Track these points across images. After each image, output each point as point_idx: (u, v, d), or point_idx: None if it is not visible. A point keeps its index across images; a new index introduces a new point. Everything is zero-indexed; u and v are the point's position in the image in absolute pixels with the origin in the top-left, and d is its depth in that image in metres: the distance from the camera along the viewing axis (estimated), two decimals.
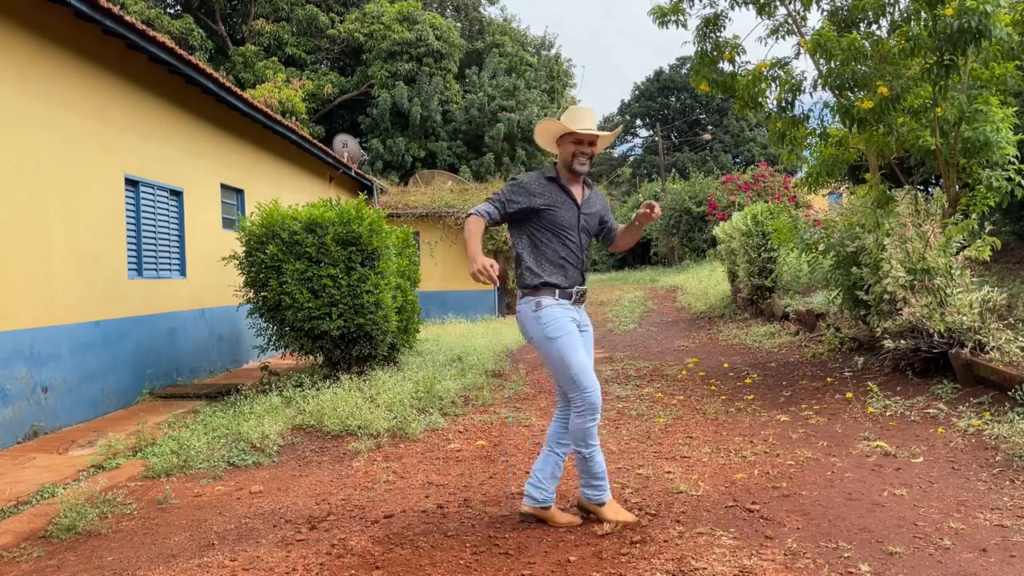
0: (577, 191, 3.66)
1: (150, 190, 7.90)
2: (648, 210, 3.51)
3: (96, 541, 3.72)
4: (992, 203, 6.13)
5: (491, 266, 3.31)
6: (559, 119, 3.69)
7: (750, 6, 7.33)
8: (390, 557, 3.26)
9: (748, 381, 7.04)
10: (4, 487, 4.51)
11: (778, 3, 7.32)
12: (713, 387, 6.90)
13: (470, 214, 3.52)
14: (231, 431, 5.56)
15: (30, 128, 6.03)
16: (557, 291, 3.52)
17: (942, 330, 5.52)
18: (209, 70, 8.17)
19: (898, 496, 3.71)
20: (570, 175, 3.65)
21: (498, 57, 27.36)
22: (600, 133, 3.64)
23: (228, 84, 8.71)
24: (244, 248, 7.21)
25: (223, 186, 9.68)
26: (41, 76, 6.18)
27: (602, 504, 3.58)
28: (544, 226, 3.58)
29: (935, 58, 5.74)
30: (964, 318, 5.48)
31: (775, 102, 7.00)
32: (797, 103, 6.90)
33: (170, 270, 8.34)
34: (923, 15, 5.82)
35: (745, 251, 11.50)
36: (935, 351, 5.65)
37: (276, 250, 6.91)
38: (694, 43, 7.41)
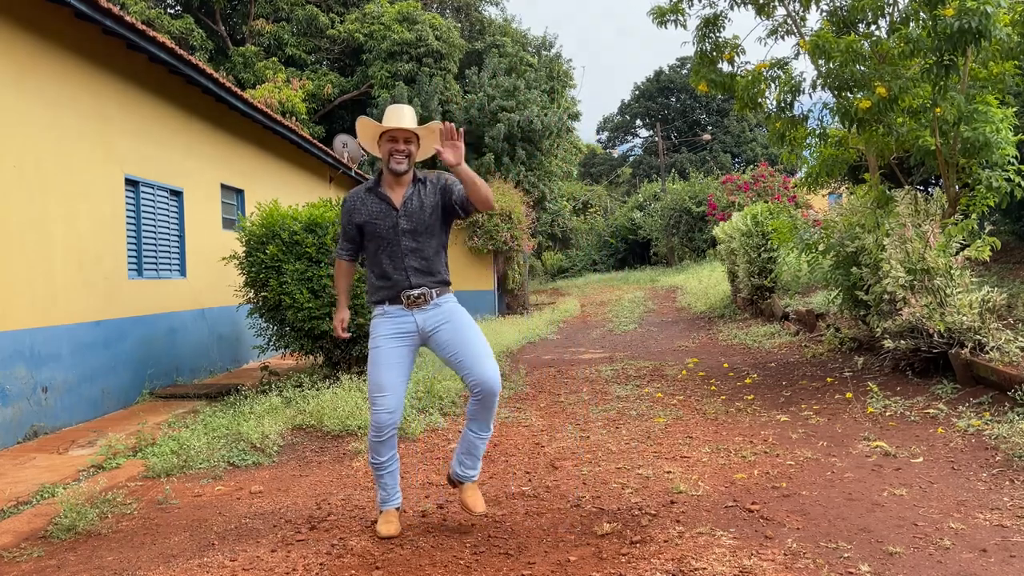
0: (398, 194, 3.51)
1: (150, 190, 7.90)
2: (443, 142, 3.30)
3: (96, 541, 3.72)
4: (992, 203, 6.13)
5: (340, 322, 3.71)
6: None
7: (749, 6, 7.33)
8: (390, 557, 3.26)
9: (748, 381, 7.05)
10: (4, 487, 4.51)
11: (777, 3, 7.32)
12: (713, 387, 6.90)
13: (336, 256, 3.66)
14: (231, 431, 5.56)
15: (30, 128, 6.02)
16: (385, 303, 3.52)
17: (942, 330, 5.52)
18: (209, 70, 8.17)
19: (898, 496, 3.71)
20: (392, 177, 3.52)
21: (498, 57, 27.32)
22: (411, 128, 3.44)
23: (228, 84, 8.71)
24: (244, 248, 7.22)
25: (223, 186, 9.68)
26: (41, 76, 6.18)
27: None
28: (369, 240, 3.55)
29: (934, 58, 5.74)
30: (964, 318, 5.48)
31: (774, 102, 6.99)
32: (796, 103, 6.90)
33: (170, 270, 8.34)
34: (922, 16, 5.82)
35: (745, 251, 11.51)
36: (935, 351, 5.65)
37: (276, 250, 6.91)
38: (694, 43, 7.41)
